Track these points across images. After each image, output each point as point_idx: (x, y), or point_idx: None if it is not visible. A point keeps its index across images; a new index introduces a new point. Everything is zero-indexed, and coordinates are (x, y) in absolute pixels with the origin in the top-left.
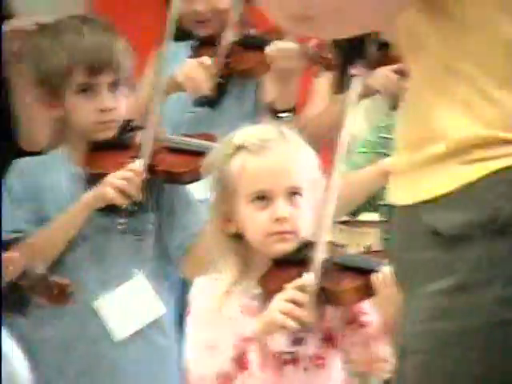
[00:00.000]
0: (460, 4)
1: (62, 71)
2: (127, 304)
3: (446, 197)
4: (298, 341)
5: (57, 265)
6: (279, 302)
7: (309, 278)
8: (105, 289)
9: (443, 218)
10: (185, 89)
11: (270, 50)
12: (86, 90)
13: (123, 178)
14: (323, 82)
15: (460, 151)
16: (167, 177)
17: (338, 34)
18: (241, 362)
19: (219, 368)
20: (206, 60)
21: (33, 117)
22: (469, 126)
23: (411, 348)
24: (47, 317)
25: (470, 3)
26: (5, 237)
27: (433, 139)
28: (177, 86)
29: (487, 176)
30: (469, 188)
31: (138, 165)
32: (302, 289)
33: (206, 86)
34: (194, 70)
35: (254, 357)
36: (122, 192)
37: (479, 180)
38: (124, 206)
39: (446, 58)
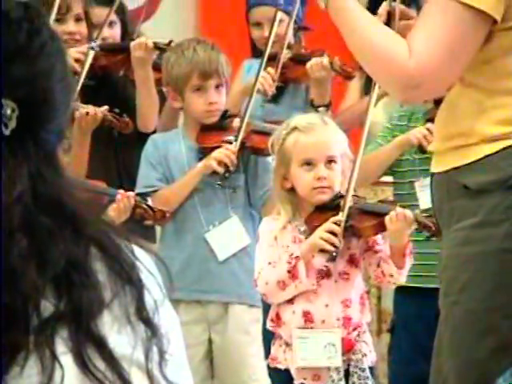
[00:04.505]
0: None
1: (184, 76)
2: (226, 236)
3: (473, 164)
4: (331, 260)
5: (179, 208)
6: (320, 231)
7: (340, 218)
8: (212, 225)
9: (471, 178)
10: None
11: (308, 64)
12: (199, 89)
13: (223, 154)
14: (353, 85)
15: (483, 140)
16: (253, 150)
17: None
18: (293, 273)
19: (278, 277)
20: (271, 71)
21: (150, 107)
22: (489, 126)
23: (445, 265)
24: (173, 241)
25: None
26: (141, 190)
27: (462, 134)
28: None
29: (501, 150)
30: (488, 158)
31: (233, 145)
32: (336, 223)
33: (271, 89)
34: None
35: (302, 269)
36: (222, 164)
37: (496, 153)
38: (222, 172)
39: (477, 83)
